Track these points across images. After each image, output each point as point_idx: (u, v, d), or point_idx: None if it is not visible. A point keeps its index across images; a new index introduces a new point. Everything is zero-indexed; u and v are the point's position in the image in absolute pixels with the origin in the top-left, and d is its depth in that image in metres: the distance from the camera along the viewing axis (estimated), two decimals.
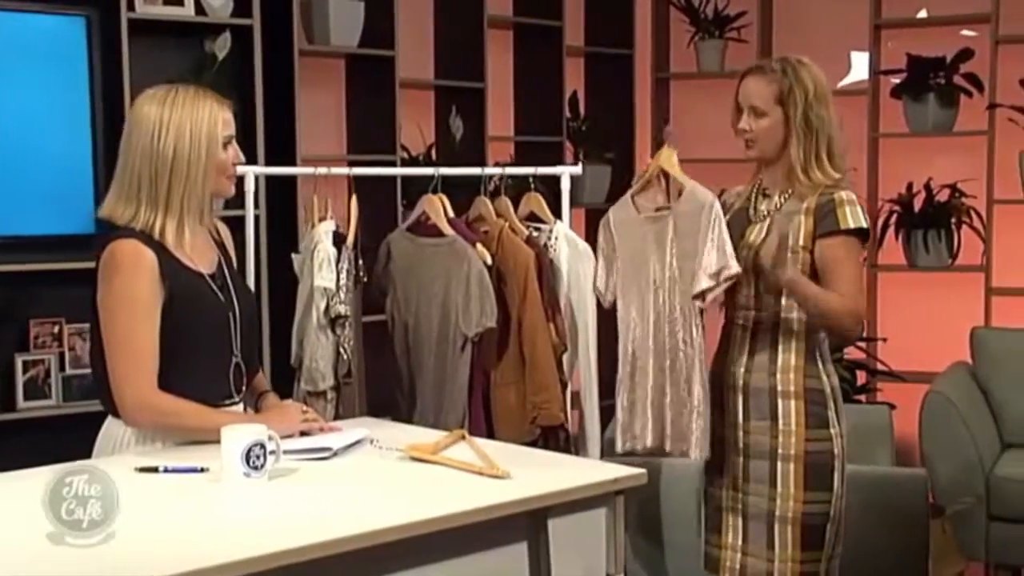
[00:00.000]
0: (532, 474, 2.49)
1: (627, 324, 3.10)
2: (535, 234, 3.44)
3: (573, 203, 3.67)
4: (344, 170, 3.48)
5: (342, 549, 2.08)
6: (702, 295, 2.95)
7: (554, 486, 2.39)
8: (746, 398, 3.00)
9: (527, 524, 2.36)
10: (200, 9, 4.54)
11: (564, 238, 3.42)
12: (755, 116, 2.99)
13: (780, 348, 2.97)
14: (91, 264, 4.27)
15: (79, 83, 4.34)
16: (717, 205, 2.95)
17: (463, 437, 2.75)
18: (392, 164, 4.92)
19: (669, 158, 3.06)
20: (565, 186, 3.56)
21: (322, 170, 3.34)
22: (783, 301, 2.97)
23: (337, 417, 3.18)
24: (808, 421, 2.95)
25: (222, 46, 4.48)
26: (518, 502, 2.32)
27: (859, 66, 5.95)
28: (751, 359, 2.99)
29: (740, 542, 3.04)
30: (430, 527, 2.19)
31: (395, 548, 2.15)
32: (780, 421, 2.96)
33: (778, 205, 3.00)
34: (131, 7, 4.35)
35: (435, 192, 3.39)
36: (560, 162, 5.52)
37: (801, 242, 2.93)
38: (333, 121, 5.18)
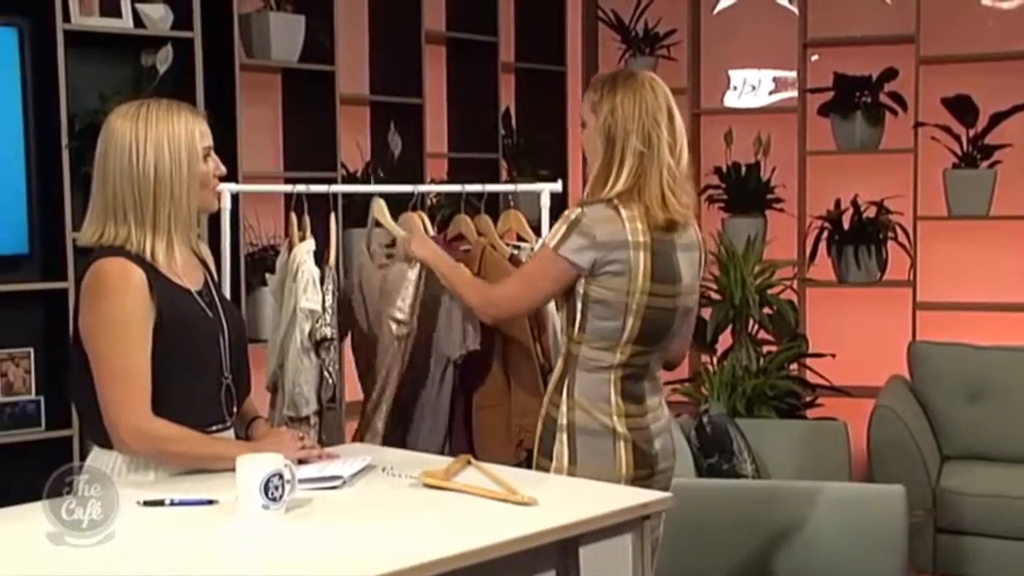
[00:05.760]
0: (557, 500, 2.43)
1: None
2: (516, 252, 3.37)
3: None
4: (323, 188, 3.36)
5: None
6: None
7: (585, 513, 2.32)
8: None
9: (558, 552, 2.29)
10: (139, 21, 4.38)
11: None
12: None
13: (554, 372, 2.95)
14: (25, 286, 4.17)
15: (11, 97, 4.15)
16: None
17: (469, 462, 2.67)
18: (332, 181, 4.81)
19: None
20: (545, 203, 3.51)
21: (300, 188, 3.22)
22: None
23: (320, 444, 3.06)
24: (540, 446, 2.89)
25: (163, 59, 4.32)
26: (552, 531, 2.25)
27: (788, 84, 6.03)
28: None
29: None
30: (469, 560, 2.10)
31: None
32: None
33: None
34: (67, 18, 4.17)
35: (415, 209, 3.30)
36: (495, 179, 5.47)
37: None
38: (269, 137, 5.05)
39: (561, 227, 2.81)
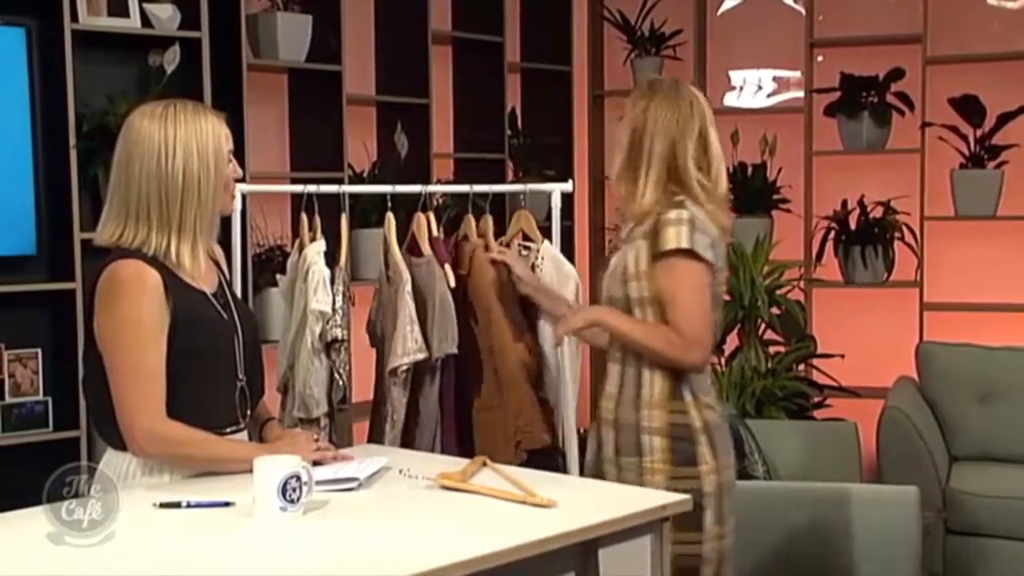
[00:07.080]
0: (575, 502, 2.41)
1: None
2: (524, 253, 3.36)
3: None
4: (334, 188, 3.35)
5: None
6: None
7: (605, 515, 2.31)
8: (617, 433, 2.91)
9: (577, 554, 2.28)
10: (146, 21, 4.37)
11: (550, 259, 3.35)
12: None
13: (644, 381, 2.86)
14: (32, 287, 4.16)
15: (19, 97, 4.13)
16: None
17: (484, 463, 2.66)
18: (339, 181, 4.79)
19: None
20: (556, 203, 3.49)
21: (312, 188, 3.21)
22: None
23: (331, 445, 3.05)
24: (674, 459, 2.83)
25: (171, 59, 4.31)
26: (572, 533, 2.24)
27: (794, 84, 6.03)
28: (620, 392, 2.90)
29: None
30: (490, 562, 2.09)
31: None
32: (646, 457, 2.85)
33: (627, 232, 2.91)
34: (74, 18, 4.16)
35: (423, 210, 3.29)
36: (502, 180, 5.46)
37: (643, 267, 2.83)
38: (275, 137, 5.04)
39: (680, 228, 2.76)
